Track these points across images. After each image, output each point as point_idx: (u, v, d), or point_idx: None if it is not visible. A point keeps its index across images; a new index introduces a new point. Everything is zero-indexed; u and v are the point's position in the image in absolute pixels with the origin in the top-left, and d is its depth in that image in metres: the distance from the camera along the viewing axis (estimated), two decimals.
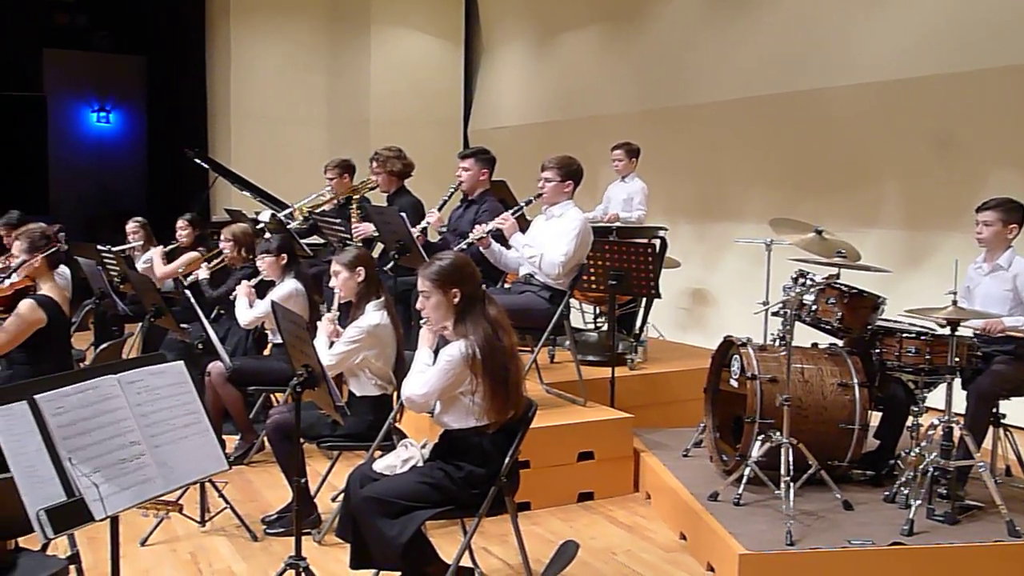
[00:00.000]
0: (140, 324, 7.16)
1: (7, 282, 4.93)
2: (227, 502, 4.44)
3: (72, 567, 2.97)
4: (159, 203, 12.87)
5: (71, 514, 2.29)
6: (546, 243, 5.05)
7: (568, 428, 5.00)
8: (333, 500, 4.78)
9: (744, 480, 4.33)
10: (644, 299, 6.55)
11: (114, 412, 2.47)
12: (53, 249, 4.82)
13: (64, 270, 6.10)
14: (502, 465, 3.45)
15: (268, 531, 4.42)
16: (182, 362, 2.72)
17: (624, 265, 5.62)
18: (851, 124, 7.23)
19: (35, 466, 2.27)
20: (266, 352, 6.08)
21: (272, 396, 6.08)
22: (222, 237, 6.42)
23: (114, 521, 2.54)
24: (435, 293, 3.47)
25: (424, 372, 3.48)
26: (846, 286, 4.61)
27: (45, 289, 4.81)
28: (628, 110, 9.34)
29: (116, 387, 2.50)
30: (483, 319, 3.44)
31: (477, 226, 5.08)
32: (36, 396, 2.31)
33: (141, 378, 2.57)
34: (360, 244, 5.62)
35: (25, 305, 4.66)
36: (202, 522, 4.50)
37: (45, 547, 3.05)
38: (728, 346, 4.83)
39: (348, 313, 4.45)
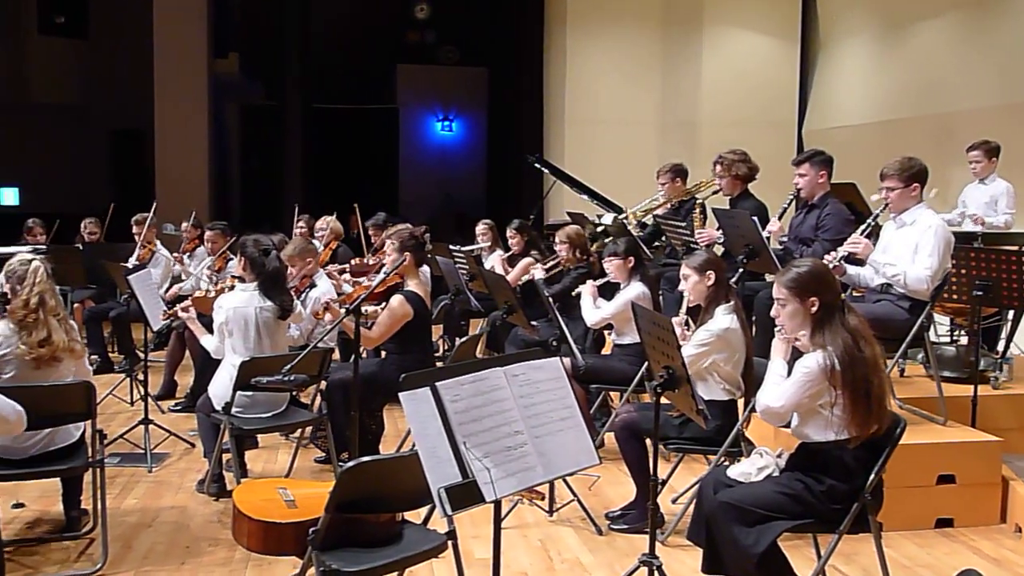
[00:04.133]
0: (484, 320, 7.65)
1: (379, 279, 5.42)
2: (575, 495, 4.59)
3: (450, 542, 3.19)
4: (496, 206, 13.61)
5: (465, 494, 2.47)
6: (904, 256, 4.74)
7: (927, 448, 4.65)
8: (674, 502, 4.80)
9: None
10: (1012, 312, 5.95)
11: (501, 402, 2.64)
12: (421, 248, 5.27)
13: (424, 268, 6.62)
14: (866, 481, 3.29)
15: (612, 526, 4.52)
16: (558, 358, 2.85)
17: (992, 274, 5.14)
18: None
19: (436, 447, 2.48)
20: (604, 351, 6.24)
21: (608, 395, 6.21)
22: (557, 239, 6.67)
23: (497, 505, 2.71)
24: (791, 301, 3.38)
25: (779, 384, 3.40)
26: None
27: (412, 285, 5.26)
28: (987, 104, 8.53)
29: (503, 379, 2.67)
30: (842, 329, 3.30)
31: (828, 255, 4.84)
32: (437, 383, 2.52)
33: (524, 372, 2.72)
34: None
35: (396, 300, 5.13)
36: (550, 512, 4.69)
37: (426, 521, 3.34)
38: None
39: (696, 317, 4.45)
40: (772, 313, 3.46)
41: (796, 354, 3.45)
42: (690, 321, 4.48)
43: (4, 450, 4.01)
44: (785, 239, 5.54)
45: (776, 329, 3.48)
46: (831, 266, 4.67)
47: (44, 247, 8.27)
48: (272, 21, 15.10)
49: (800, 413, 3.39)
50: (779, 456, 3.51)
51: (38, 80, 14.96)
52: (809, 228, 5.42)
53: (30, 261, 4.14)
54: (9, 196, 15.24)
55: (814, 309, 3.33)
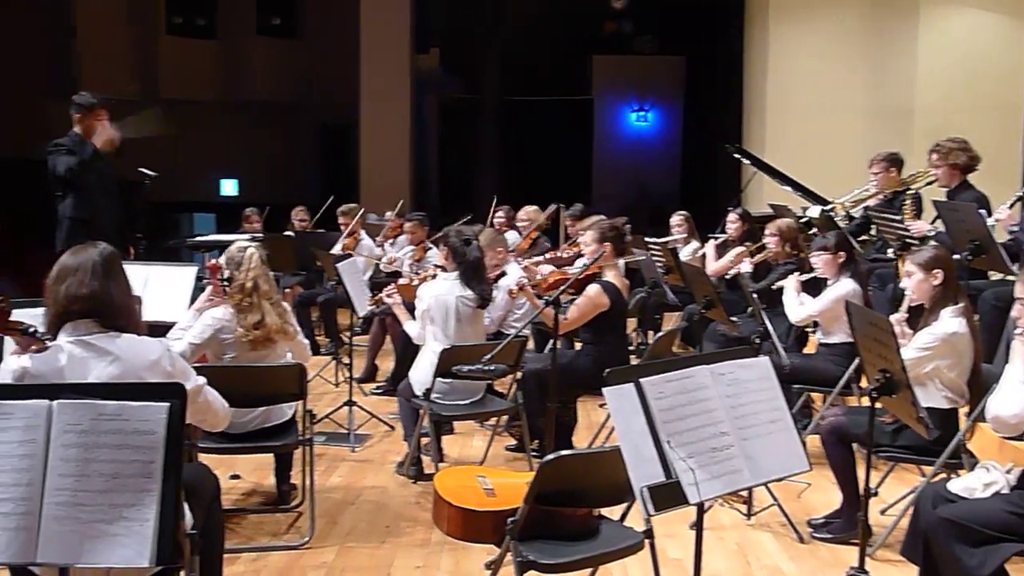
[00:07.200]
0: (680, 314, 7.50)
1: (579, 268, 5.40)
2: (775, 499, 4.40)
3: (647, 541, 3.12)
4: (691, 197, 13.37)
5: (669, 494, 2.40)
6: None
7: None
8: (883, 513, 4.52)
9: None
10: None
11: (706, 401, 2.54)
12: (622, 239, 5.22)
13: (620, 261, 6.53)
14: None
15: (815, 534, 4.30)
16: (767, 358, 2.72)
17: None
18: None
19: (639, 445, 2.42)
20: (807, 350, 5.97)
21: (809, 396, 5.93)
22: (767, 231, 6.41)
23: (700, 507, 2.61)
24: None
25: (1017, 390, 3.11)
26: None
27: (609, 276, 5.21)
28: None
29: (708, 377, 2.57)
30: None
31: None
32: (642, 379, 2.46)
33: (731, 370, 2.61)
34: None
35: (593, 289, 5.10)
36: (748, 515, 4.52)
37: (623, 518, 3.27)
38: None
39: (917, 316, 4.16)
40: (1013, 314, 3.17)
41: None
42: (903, 325, 4.19)
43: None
44: (1016, 229, 5.11)
45: (1017, 332, 3.18)
46: None
47: (260, 235, 8.78)
48: (471, 16, 15.44)
49: None
50: (1008, 472, 3.22)
51: (256, 79, 15.96)
52: None
53: (246, 248, 4.39)
54: (229, 187, 16.36)
55: None
